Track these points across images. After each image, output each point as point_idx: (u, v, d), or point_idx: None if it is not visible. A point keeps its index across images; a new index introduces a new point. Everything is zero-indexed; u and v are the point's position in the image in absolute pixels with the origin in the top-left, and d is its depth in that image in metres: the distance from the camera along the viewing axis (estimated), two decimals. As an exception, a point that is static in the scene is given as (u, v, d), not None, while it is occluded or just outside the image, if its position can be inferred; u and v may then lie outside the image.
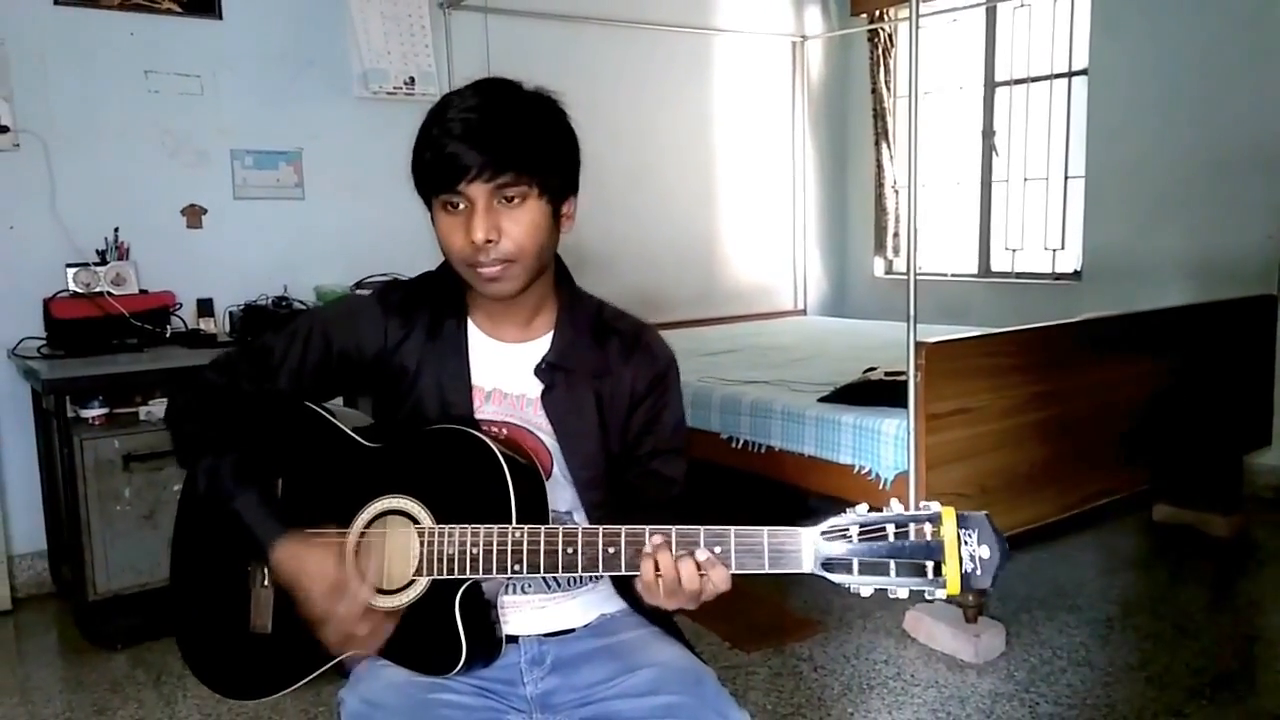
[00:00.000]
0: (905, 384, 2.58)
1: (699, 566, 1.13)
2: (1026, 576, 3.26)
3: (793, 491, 3.09)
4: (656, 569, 1.14)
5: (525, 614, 1.38)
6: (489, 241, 1.23)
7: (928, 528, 1.06)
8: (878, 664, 2.72)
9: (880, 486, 2.70)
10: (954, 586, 1.05)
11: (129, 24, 3.49)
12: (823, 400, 2.99)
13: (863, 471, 2.77)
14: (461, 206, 1.25)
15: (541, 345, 1.38)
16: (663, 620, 1.43)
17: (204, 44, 3.63)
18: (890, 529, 1.07)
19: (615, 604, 1.44)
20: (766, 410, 3.07)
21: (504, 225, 1.24)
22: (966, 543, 1.06)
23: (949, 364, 2.60)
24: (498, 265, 1.26)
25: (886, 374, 2.96)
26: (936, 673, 2.66)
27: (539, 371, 1.36)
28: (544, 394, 1.36)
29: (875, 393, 2.88)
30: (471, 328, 1.38)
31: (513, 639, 1.36)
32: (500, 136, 1.23)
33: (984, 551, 1.06)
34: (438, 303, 1.38)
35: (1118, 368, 3.02)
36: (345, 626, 1.23)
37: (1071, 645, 2.79)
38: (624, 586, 1.41)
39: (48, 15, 3.35)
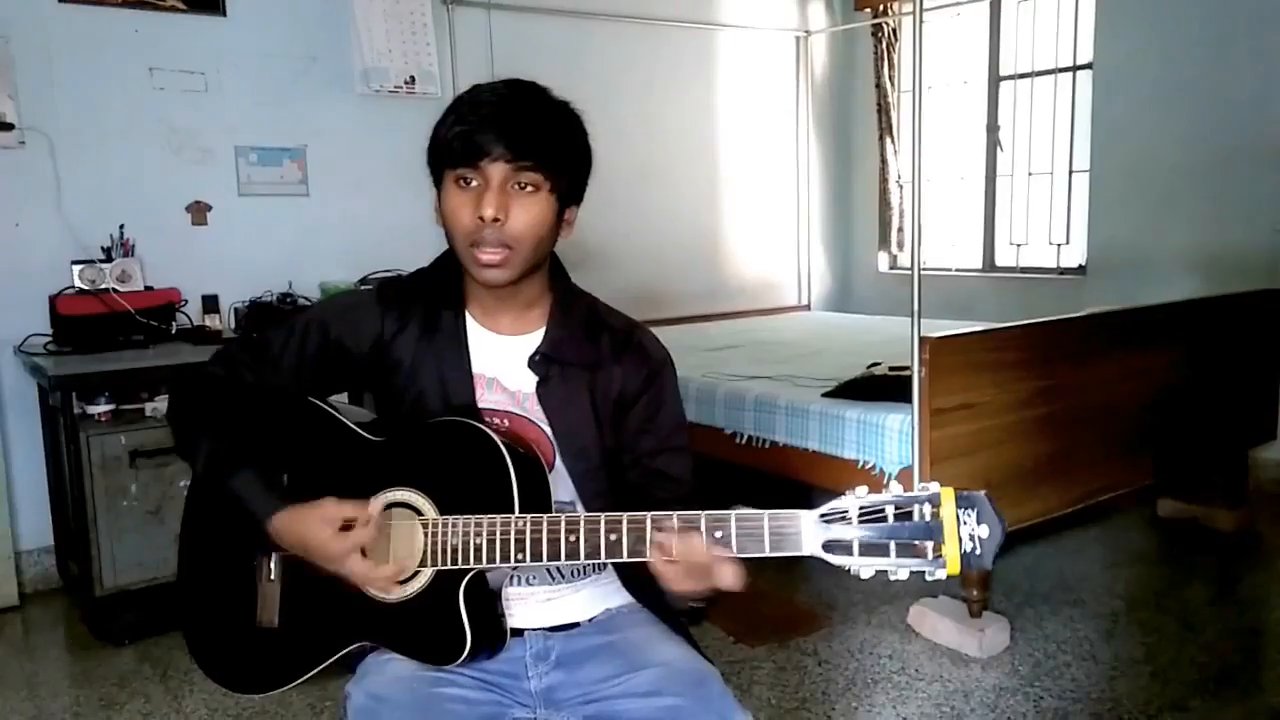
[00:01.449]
0: (909, 379, 2.58)
1: (707, 547, 1.13)
2: (1031, 571, 3.26)
3: (797, 486, 3.09)
4: (667, 556, 1.14)
5: (530, 606, 1.39)
6: (496, 220, 1.25)
7: (927, 508, 1.07)
8: (882, 658, 2.72)
9: (885, 481, 2.69)
10: (954, 567, 1.06)
11: (134, 21, 3.49)
12: (827, 395, 2.99)
13: (867, 466, 2.77)
14: (475, 184, 1.27)
15: (536, 338, 1.39)
16: (668, 616, 1.43)
17: (208, 41, 3.63)
18: (890, 510, 1.08)
19: (620, 598, 1.45)
20: (771, 405, 3.07)
21: (512, 209, 1.27)
22: (965, 522, 1.06)
23: (953, 359, 2.60)
24: (498, 251, 1.27)
25: (891, 369, 2.96)
26: (941, 667, 2.66)
27: (533, 363, 1.37)
28: (539, 386, 1.36)
29: (879, 388, 2.88)
30: (469, 319, 1.39)
31: (518, 633, 1.37)
32: (526, 126, 1.27)
33: (984, 531, 1.06)
34: (434, 295, 1.39)
35: (1122, 362, 3.02)
36: (367, 561, 1.23)
37: (1076, 639, 2.79)
38: (631, 580, 1.41)
39: (52, 12, 3.35)
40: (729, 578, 1.14)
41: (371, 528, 1.23)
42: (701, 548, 1.13)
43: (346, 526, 1.23)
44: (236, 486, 1.29)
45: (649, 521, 1.15)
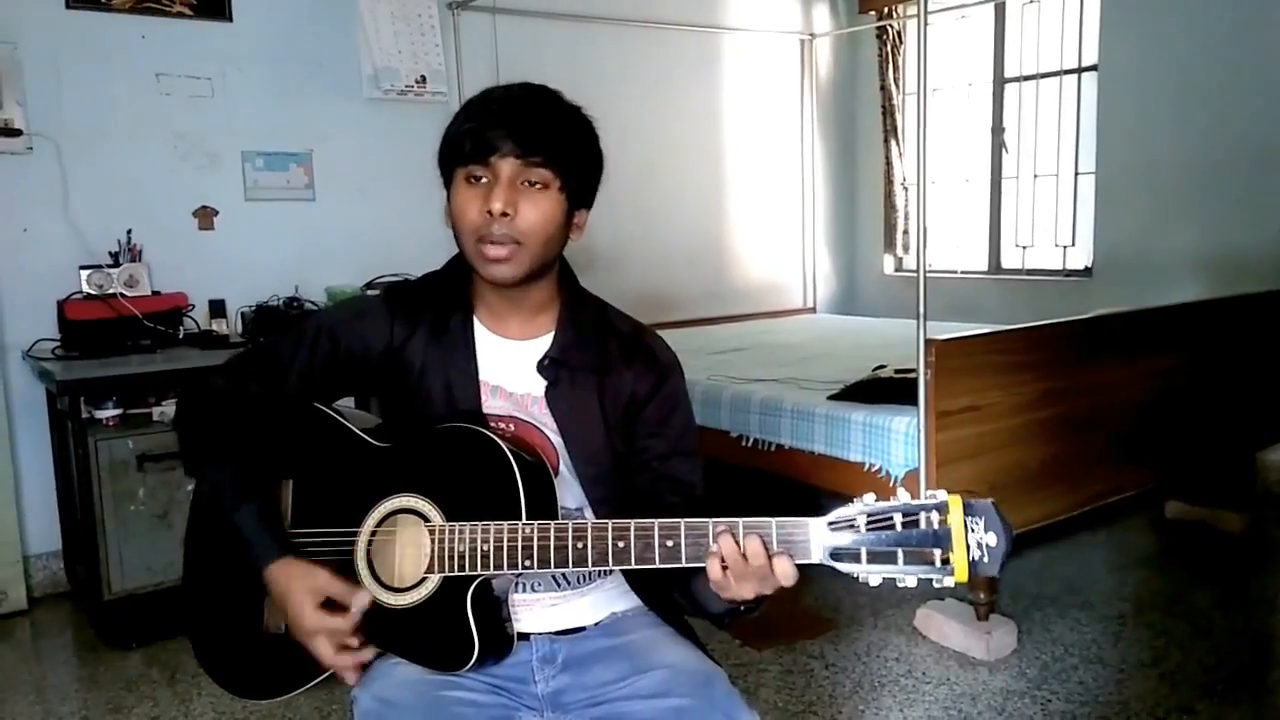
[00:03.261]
0: (915, 381, 2.57)
1: (765, 547, 1.11)
2: (1038, 574, 3.26)
3: (803, 489, 3.09)
4: (722, 563, 1.13)
5: (536, 612, 1.38)
6: (505, 215, 1.26)
7: (935, 516, 1.07)
8: (889, 662, 2.72)
9: (890, 484, 2.70)
10: (962, 574, 1.06)
11: (140, 27, 3.51)
12: (832, 398, 2.99)
13: (873, 469, 2.77)
14: (484, 180, 1.28)
15: (544, 342, 1.39)
16: (675, 619, 1.43)
17: (214, 46, 3.64)
18: (897, 518, 1.08)
19: (626, 602, 1.45)
20: (776, 408, 3.07)
21: (521, 204, 1.27)
22: (973, 530, 1.06)
23: (959, 361, 2.60)
24: (506, 245, 1.28)
25: (896, 371, 2.96)
26: (948, 670, 2.66)
27: (542, 368, 1.37)
28: (548, 390, 1.36)
29: (885, 390, 2.88)
30: (476, 324, 1.39)
31: (524, 637, 1.36)
32: (537, 124, 1.28)
33: (990, 539, 1.06)
34: (443, 299, 1.39)
35: (1129, 364, 3.02)
36: (332, 645, 1.24)
37: (1083, 642, 2.79)
38: (639, 584, 1.41)
39: (60, 19, 3.37)
40: (787, 574, 1.12)
41: (349, 620, 1.24)
42: (763, 550, 1.12)
43: (331, 602, 1.25)
44: (237, 523, 1.31)
45: (656, 530, 1.15)
